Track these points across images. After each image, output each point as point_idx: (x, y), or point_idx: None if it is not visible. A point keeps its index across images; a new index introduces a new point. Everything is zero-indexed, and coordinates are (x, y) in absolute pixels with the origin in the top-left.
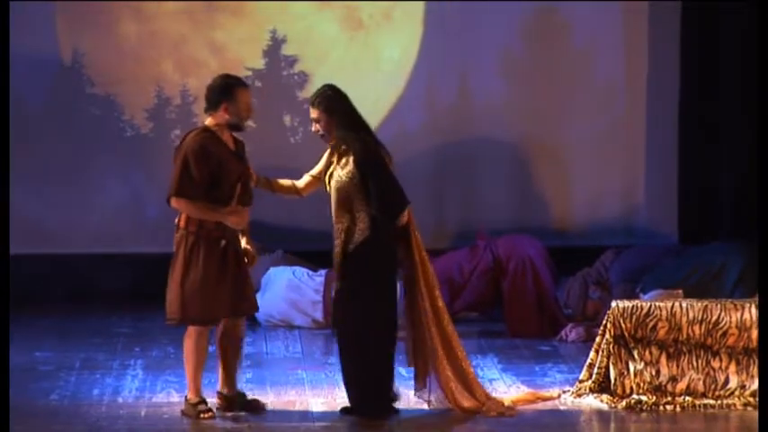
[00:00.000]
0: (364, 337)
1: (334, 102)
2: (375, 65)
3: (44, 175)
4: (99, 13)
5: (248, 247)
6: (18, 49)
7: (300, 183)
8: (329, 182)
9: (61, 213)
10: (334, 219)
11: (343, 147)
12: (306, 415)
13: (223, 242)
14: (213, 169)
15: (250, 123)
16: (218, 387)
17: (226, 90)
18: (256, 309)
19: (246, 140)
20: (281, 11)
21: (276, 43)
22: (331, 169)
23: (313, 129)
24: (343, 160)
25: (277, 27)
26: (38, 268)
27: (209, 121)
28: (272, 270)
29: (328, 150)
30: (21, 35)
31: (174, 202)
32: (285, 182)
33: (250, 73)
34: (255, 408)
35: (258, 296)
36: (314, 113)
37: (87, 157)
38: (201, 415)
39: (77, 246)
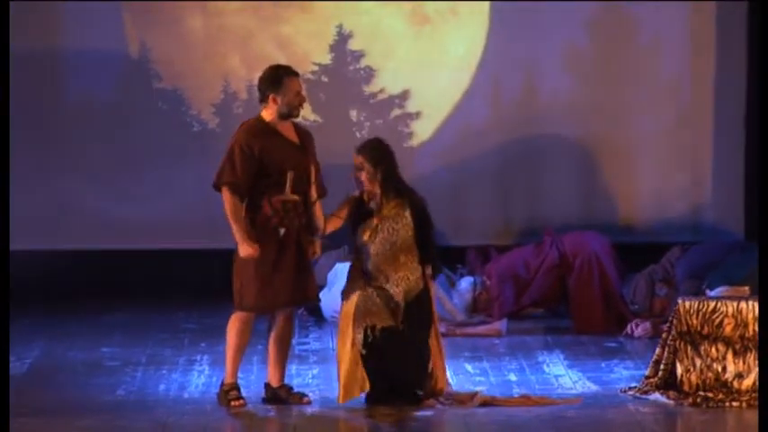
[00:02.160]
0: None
1: (381, 155)
2: (441, 60)
3: (110, 171)
4: (166, 9)
5: (315, 237)
6: (86, 45)
7: (326, 221)
8: (374, 234)
9: (128, 209)
10: (390, 269)
11: (397, 200)
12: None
13: (282, 230)
14: (258, 159)
15: (317, 118)
16: (267, 379)
17: (274, 81)
18: (315, 298)
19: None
20: (348, 6)
21: (342, 38)
22: (375, 222)
23: (354, 176)
24: (394, 212)
25: (343, 22)
26: (105, 264)
27: (263, 112)
28: (338, 266)
29: (358, 198)
30: (88, 31)
31: (223, 192)
32: (319, 212)
33: (316, 68)
34: (299, 400)
35: (324, 292)
36: (357, 160)
37: (154, 151)
38: (232, 403)
39: (145, 241)
